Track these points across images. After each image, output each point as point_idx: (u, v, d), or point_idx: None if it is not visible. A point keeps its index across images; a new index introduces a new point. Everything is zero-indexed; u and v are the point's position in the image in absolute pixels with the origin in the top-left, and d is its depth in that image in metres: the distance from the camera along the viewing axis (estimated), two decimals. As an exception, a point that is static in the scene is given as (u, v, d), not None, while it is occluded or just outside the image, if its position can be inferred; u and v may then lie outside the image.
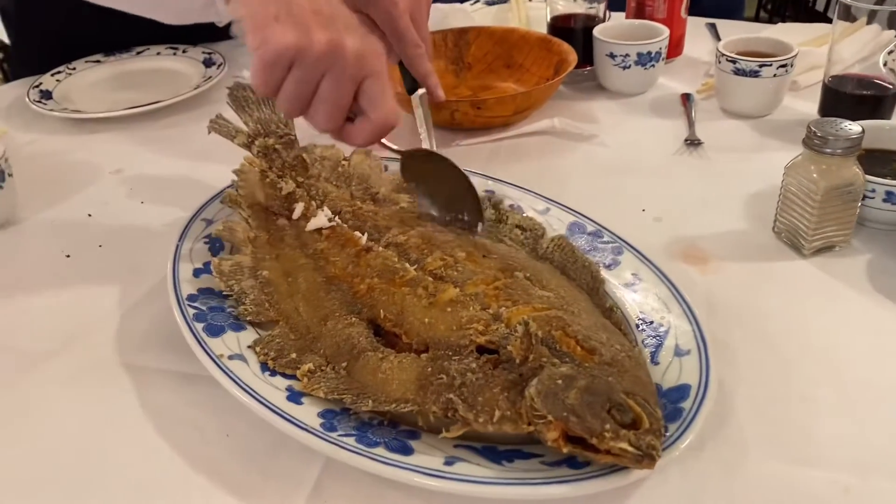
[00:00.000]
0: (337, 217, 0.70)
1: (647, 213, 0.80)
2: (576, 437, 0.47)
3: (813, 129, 0.68)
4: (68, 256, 0.78)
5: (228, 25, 0.65)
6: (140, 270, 0.74)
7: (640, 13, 1.11)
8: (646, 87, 1.07)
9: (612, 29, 1.07)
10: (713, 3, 1.31)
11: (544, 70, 1.05)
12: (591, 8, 1.09)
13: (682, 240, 0.76)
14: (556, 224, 0.72)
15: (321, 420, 0.53)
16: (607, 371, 0.50)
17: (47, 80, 1.12)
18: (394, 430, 0.53)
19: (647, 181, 0.87)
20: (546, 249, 0.67)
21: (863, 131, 0.68)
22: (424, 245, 0.65)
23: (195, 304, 0.63)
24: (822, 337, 0.64)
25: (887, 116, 0.89)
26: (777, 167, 0.74)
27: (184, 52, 1.19)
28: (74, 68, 1.15)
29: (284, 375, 0.57)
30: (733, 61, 0.94)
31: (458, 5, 1.33)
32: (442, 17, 1.23)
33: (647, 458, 0.45)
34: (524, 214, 0.73)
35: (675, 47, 1.13)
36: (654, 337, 0.59)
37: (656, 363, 0.57)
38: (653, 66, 1.04)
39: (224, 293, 0.64)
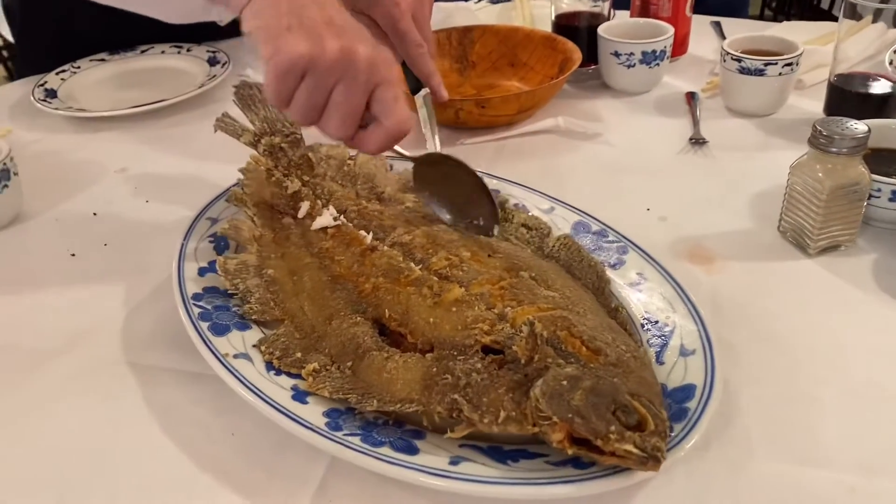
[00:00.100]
0: (342, 216, 0.70)
1: (652, 213, 0.80)
2: (581, 438, 0.47)
3: (819, 128, 0.68)
4: (73, 255, 0.78)
5: (232, 24, 0.65)
6: (145, 269, 0.74)
7: (644, 11, 1.11)
8: (650, 85, 1.07)
9: (617, 27, 1.07)
10: (718, 2, 1.30)
11: (549, 69, 1.05)
12: (595, 6, 1.09)
13: (687, 239, 0.76)
14: (560, 223, 0.72)
15: (326, 419, 0.53)
16: (612, 372, 0.50)
17: (52, 79, 1.12)
18: (399, 429, 0.53)
19: (652, 180, 0.86)
20: (552, 248, 0.67)
21: (869, 130, 0.67)
22: (429, 244, 0.65)
23: (200, 303, 0.63)
24: (827, 337, 0.64)
25: (893, 115, 0.88)
26: (782, 166, 0.73)
27: (188, 50, 1.19)
28: (79, 67, 1.15)
29: (289, 374, 0.57)
30: (738, 60, 0.94)
31: (462, 4, 1.33)
32: (446, 16, 1.23)
33: (651, 460, 0.45)
34: (529, 213, 0.73)
35: (679, 46, 1.12)
36: (660, 337, 0.59)
37: (661, 363, 0.57)
38: (657, 64, 1.04)
39: (229, 292, 0.64)
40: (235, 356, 0.58)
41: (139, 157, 0.95)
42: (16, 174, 0.82)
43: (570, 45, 1.03)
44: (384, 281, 0.62)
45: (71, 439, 0.58)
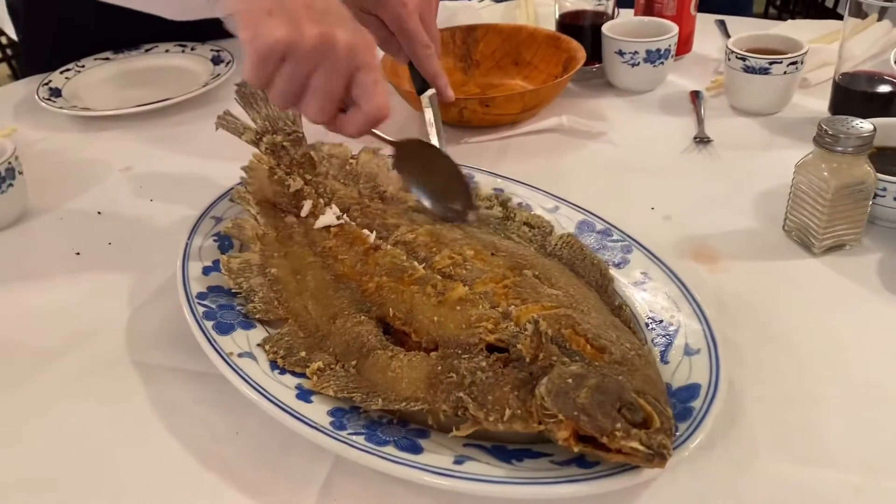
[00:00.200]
0: (345, 215, 0.70)
1: (657, 212, 0.80)
2: (587, 436, 0.47)
3: (824, 127, 0.68)
4: (78, 254, 0.79)
5: (233, 21, 0.65)
6: (149, 268, 0.74)
7: (649, 10, 1.11)
8: (655, 84, 1.06)
9: (621, 26, 1.06)
10: (722, 0, 1.30)
11: (553, 67, 1.05)
12: (599, 5, 1.09)
13: (691, 238, 0.75)
14: (565, 222, 0.72)
15: (331, 418, 0.53)
16: (617, 370, 0.50)
17: (56, 78, 1.12)
18: (403, 428, 0.53)
19: (656, 179, 0.86)
20: (554, 246, 0.67)
21: (874, 129, 0.67)
22: (433, 243, 0.65)
23: (205, 302, 0.63)
24: (832, 336, 0.64)
25: (899, 114, 0.88)
26: (787, 165, 0.73)
27: (192, 49, 1.19)
28: (83, 66, 1.15)
29: (294, 373, 0.57)
30: (743, 58, 0.94)
31: (466, 3, 1.33)
32: (450, 15, 1.23)
33: (658, 457, 0.45)
34: (533, 213, 0.73)
35: (684, 44, 1.12)
36: (664, 336, 0.59)
37: (666, 362, 0.57)
38: (662, 63, 1.03)
39: (233, 291, 0.64)
40: (240, 355, 0.58)
41: (143, 156, 0.96)
42: (20, 173, 0.82)
43: (574, 43, 1.03)
44: (388, 280, 0.62)
45: (75, 438, 0.58)
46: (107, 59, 1.18)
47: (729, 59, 0.96)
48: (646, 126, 0.98)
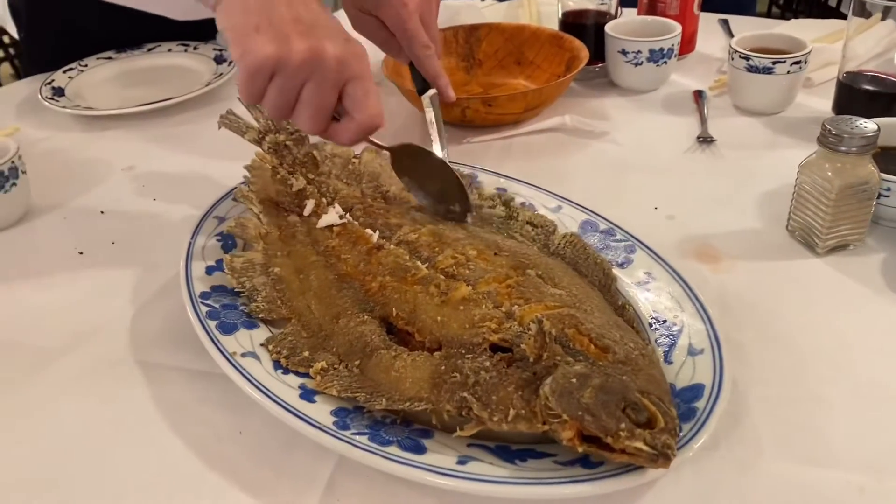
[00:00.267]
0: (348, 214, 0.70)
1: (660, 211, 0.80)
2: (591, 436, 0.47)
3: (828, 126, 0.68)
4: (81, 253, 0.79)
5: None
6: (153, 267, 0.74)
7: (652, 9, 1.11)
8: (658, 83, 1.06)
9: (624, 25, 1.06)
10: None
11: (555, 67, 1.05)
12: (602, 4, 1.09)
13: (694, 238, 0.75)
14: (568, 222, 0.71)
15: (334, 418, 0.53)
16: (621, 370, 0.50)
17: (59, 77, 1.12)
18: (407, 428, 0.53)
19: (660, 179, 0.86)
20: (557, 246, 0.67)
21: (878, 129, 0.67)
22: (435, 243, 0.65)
23: (208, 302, 0.63)
24: (836, 336, 0.64)
25: (902, 114, 0.88)
26: (791, 165, 0.73)
27: (195, 49, 1.19)
28: (86, 65, 1.15)
29: (297, 373, 0.57)
30: (746, 58, 0.94)
31: (468, 2, 1.33)
32: (453, 14, 1.23)
33: (662, 457, 0.45)
34: (536, 212, 0.72)
35: (687, 44, 1.12)
36: (668, 336, 0.59)
37: (670, 362, 0.57)
38: (665, 62, 1.03)
39: (236, 290, 0.64)
40: (243, 355, 0.58)
41: (146, 156, 0.96)
42: (24, 172, 0.82)
43: (577, 43, 1.03)
44: (391, 279, 0.62)
45: (77, 438, 0.58)
46: (109, 58, 1.18)
47: (732, 59, 0.96)
48: (649, 126, 0.98)
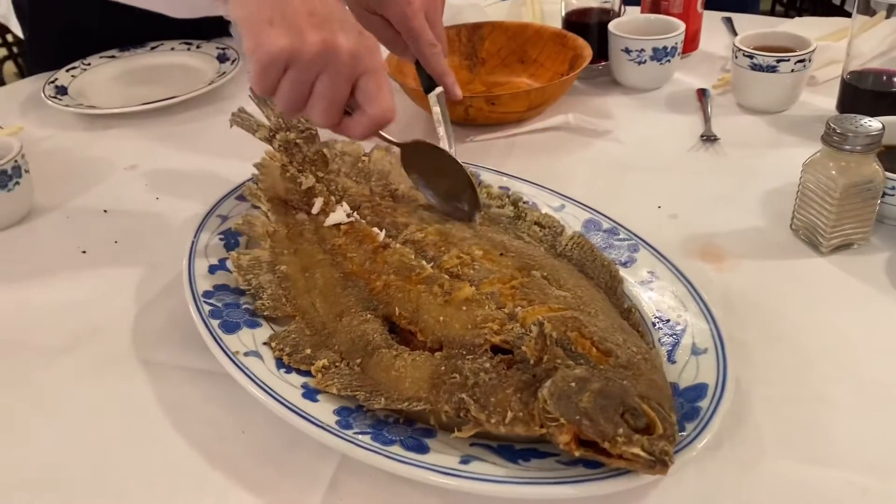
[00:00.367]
0: (355, 213, 0.70)
1: (663, 210, 0.80)
2: (588, 440, 0.46)
3: (832, 125, 0.68)
4: (84, 252, 0.79)
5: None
6: (155, 266, 0.75)
7: (655, 8, 1.10)
8: (661, 82, 1.06)
9: (628, 24, 1.06)
10: (729, -3, 1.29)
11: (559, 65, 1.05)
12: (605, 2, 1.08)
13: (698, 237, 0.75)
14: (571, 221, 0.71)
15: (337, 417, 0.53)
16: (622, 374, 0.50)
17: (62, 76, 1.12)
18: (409, 428, 0.53)
19: (663, 177, 0.86)
20: (565, 247, 0.67)
21: (883, 128, 0.67)
22: (441, 242, 0.65)
23: (211, 301, 0.63)
24: (840, 335, 0.63)
25: (907, 112, 0.88)
26: (794, 164, 0.73)
27: (198, 47, 1.19)
28: (89, 64, 1.16)
29: (300, 372, 0.57)
30: (750, 56, 0.94)
31: (472, 1, 1.32)
32: (456, 13, 1.23)
33: (659, 463, 0.45)
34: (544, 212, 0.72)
35: (690, 42, 1.12)
36: (671, 335, 0.59)
37: (673, 362, 0.57)
38: (668, 61, 1.03)
39: (241, 287, 0.64)
40: (246, 354, 0.58)
41: (149, 154, 0.96)
42: (27, 171, 0.82)
43: (581, 41, 1.03)
44: (395, 278, 0.62)
45: (80, 436, 0.58)
46: (112, 56, 1.18)
47: (736, 57, 0.95)
48: (652, 124, 0.98)
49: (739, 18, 1.24)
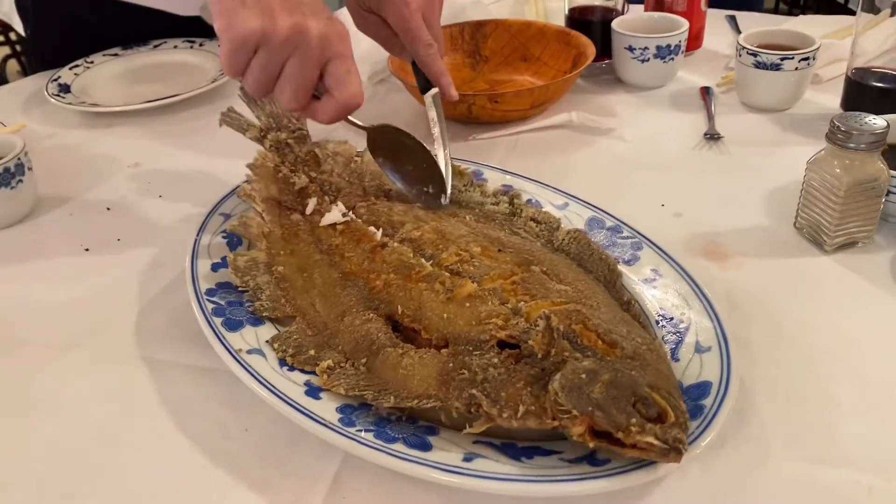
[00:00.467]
0: (351, 212, 0.70)
1: (667, 209, 0.79)
2: (601, 431, 0.46)
3: (836, 123, 0.67)
4: (87, 250, 0.79)
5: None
6: (159, 264, 0.75)
7: (659, 6, 1.10)
8: (665, 80, 1.06)
9: (631, 22, 1.06)
10: (733, -4, 1.29)
11: (562, 63, 1.04)
12: (609, 0, 1.08)
13: (702, 235, 0.75)
14: (574, 219, 0.71)
15: (339, 415, 0.53)
16: (630, 365, 0.50)
17: (65, 74, 1.12)
18: (412, 425, 0.53)
19: (667, 176, 0.86)
20: (561, 242, 0.67)
21: (887, 126, 0.67)
22: (439, 240, 0.64)
23: (213, 299, 0.63)
24: (844, 334, 0.63)
25: (912, 110, 0.88)
26: (799, 162, 0.73)
27: (200, 45, 1.19)
28: (92, 62, 1.16)
29: (302, 370, 0.57)
30: (754, 54, 0.93)
31: (474, -2, 1.32)
32: (459, 11, 1.22)
33: (673, 451, 0.45)
34: (542, 209, 0.72)
35: (694, 40, 1.12)
36: (675, 333, 0.59)
37: (676, 360, 0.56)
38: (672, 59, 1.03)
39: (239, 289, 0.64)
40: (249, 352, 0.58)
41: (152, 152, 0.96)
42: (30, 169, 0.83)
43: (584, 39, 1.02)
44: (395, 277, 0.62)
45: (83, 434, 0.58)
46: (115, 54, 1.18)
47: (740, 55, 0.95)
48: (656, 122, 0.98)
49: (743, 16, 1.23)
